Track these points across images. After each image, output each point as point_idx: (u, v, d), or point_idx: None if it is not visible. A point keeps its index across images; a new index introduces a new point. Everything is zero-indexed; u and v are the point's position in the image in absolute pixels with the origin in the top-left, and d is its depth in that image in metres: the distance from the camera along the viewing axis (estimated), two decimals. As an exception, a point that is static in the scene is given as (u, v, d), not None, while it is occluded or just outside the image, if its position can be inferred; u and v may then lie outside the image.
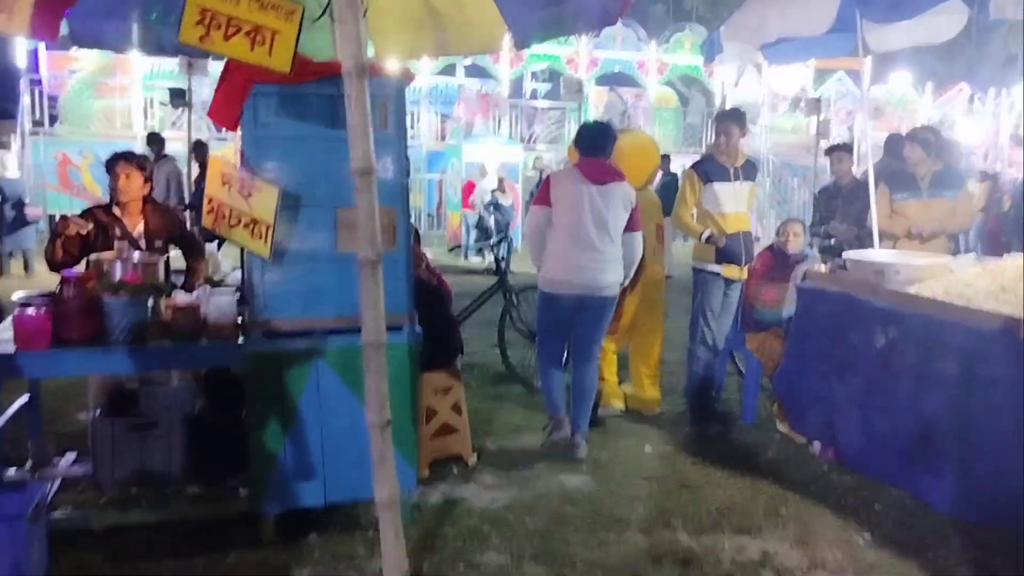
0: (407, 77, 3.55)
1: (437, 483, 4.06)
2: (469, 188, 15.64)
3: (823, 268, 4.61)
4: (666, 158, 13.22)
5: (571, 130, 15.08)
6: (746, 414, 5.10)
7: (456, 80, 20.18)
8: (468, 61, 20.04)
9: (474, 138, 17.28)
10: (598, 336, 4.49)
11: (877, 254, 4.50)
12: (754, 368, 5.10)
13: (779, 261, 5.05)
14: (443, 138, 18.95)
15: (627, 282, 4.51)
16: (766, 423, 5.01)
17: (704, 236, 4.87)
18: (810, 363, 4.51)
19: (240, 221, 3.25)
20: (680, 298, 5.15)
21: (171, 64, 12.90)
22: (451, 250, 6.12)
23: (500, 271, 5.89)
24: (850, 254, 4.46)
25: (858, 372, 4.17)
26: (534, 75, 21.53)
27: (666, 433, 4.88)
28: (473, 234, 13.84)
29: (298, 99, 3.29)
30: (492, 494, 3.96)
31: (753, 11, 4.59)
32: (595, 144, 4.38)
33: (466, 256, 12.98)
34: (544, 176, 4.92)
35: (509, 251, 9.20)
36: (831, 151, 6.14)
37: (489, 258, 6.10)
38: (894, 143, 6.40)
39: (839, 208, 5.89)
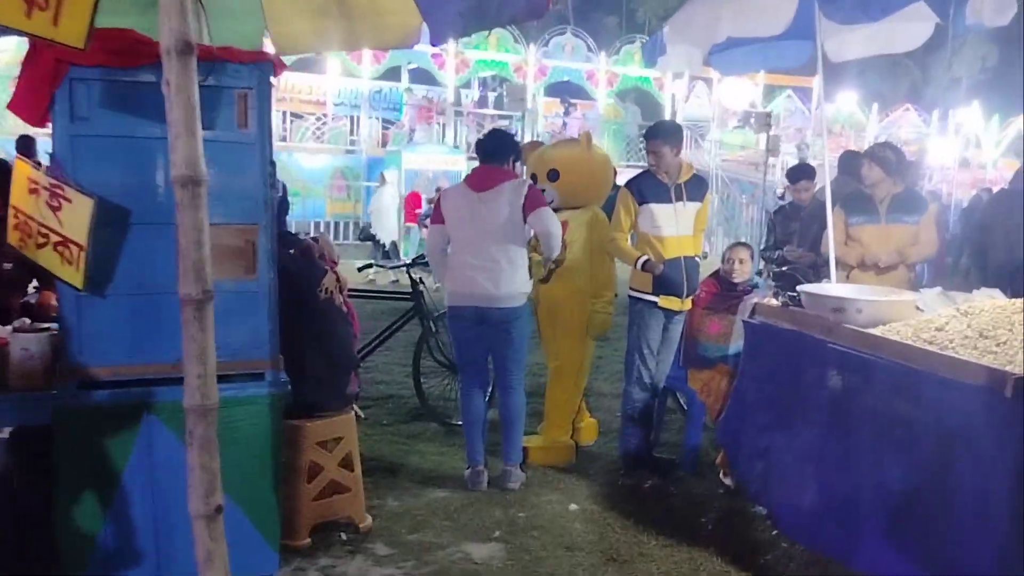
0: (275, 64, 2.89)
1: (317, 555, 3.39)
2: (412, 199, 14.94)
3: (773, 301, 4.06)
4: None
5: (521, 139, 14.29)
6: (687, 462, 4.52)
7: (400, 85, 19.51)
8: (412, 66, 19.42)
9: (414, 146, 16.62)
10: (514, 355, 4.18)
11: (836, 288, 3.97)
12: (697, 410, 4.52)
13: (725, 290, 4.49)
14: (384, 145, 18.23)
15: (552, 263, 4.35)
16: (709, 473, 4.43)
17: (640, 262, 4.27)
18: (755, 411, 3.95)
19: (49, 240, 2.55)
20: (623, 319, 4.56)
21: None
22: (361, 269, 5.38)
23: (416, 293, 5.23)
24: (805, 287, 3.91)
25: (809, 425, 3.62)
26: (484, 82, 20.95)
27: (596, 485, 4.27)
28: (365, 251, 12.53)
29: (129, 88, 2.62)
30: (383, 570, 3.29)
31: (701, 7, 4.01)
32: (486, 152, 4.21)
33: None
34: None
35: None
36: (795, 178, 5.55)
37: (403, 279, 5.44)
38: (848, 161, 5.93)
39: (797, 232, 5.38)
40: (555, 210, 4.76)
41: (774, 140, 15.33)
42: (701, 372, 4.47)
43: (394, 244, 13.19)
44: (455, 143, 18.31)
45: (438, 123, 18.98)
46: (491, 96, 19.98)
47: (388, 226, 13.00)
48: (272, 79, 2.91)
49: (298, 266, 3.64)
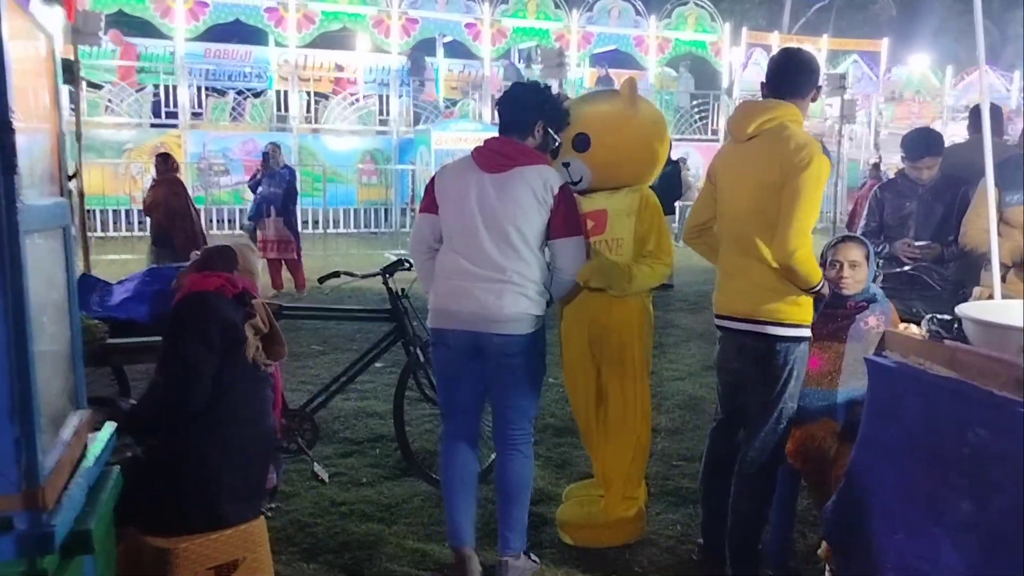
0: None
1: None
2: (437, 184, 13.70)
3: (915, 328, 2.63)
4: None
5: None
6: (774, 557, 3.14)
7: (433, 60, 18.23)
8: (448, 38, 18.12)
9: (444, 123, 15.31)
10: (519, 401, 2.98)
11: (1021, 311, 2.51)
12: (787, 482, 3.13)
13: (828, 307, 3.07)
14: (417, 124, 17.00)
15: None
16: (807, 571, 3.06)
17: (819, 285, 2.88)
18: (887, 501, 2.55)
19: None
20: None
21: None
22: (323, 280, 4.08)
23: (397, 311, 3.92)
24: (967, 308, 2.48)
25: (991, 532, 2.22)
26: (521, 53, 19.53)
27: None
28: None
29: None
30: None
31: None
32: (503, 116, 3.07)
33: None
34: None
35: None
36: (917, 152, 3.86)
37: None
38: (991, 115, 4.39)
39: (913, 215, 3.90)
40: (583, 192, 3.37)
41: (849, 105, 13.61)
42: (795, 428, 3.07)
43: None
44: (493, 119, 17.01)
45: (475, 99, 17.68)
46: (516, 68, 18.40)
47: None
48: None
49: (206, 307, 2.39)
